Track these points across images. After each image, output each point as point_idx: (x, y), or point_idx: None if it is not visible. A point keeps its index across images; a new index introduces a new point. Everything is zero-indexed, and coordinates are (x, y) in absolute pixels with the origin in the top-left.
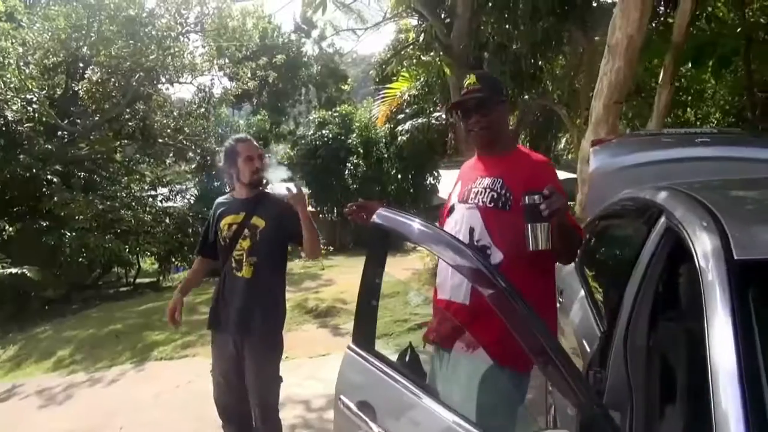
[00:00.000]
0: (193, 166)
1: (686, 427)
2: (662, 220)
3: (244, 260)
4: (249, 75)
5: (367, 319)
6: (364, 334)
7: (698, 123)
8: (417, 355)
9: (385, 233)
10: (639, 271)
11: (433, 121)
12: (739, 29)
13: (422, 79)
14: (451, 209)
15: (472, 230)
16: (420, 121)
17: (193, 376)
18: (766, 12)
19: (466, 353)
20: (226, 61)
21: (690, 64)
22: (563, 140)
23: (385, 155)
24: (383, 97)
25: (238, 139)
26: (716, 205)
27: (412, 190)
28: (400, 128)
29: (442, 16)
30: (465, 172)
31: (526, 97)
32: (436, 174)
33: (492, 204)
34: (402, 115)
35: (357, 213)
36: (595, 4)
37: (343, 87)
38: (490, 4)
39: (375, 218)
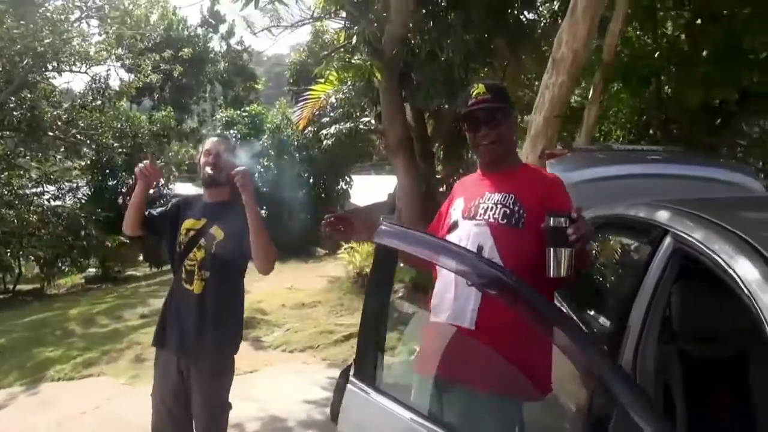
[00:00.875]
0: (86, 162)
1: None
2: (668, 240)
3: (196, 273)
4: (151, 68)
5: (372, 351)
6: (369, 367)
7: (601, 139)
8: None
9: (390, 252)
10: (645, 292)
11: (362, 126)
12: (657, 53)
13: (349, 82)
14: (454, 226)
15: (480, 248)
16: (348, 125)
17: (102, 399)
18: (677, 40)
19: (485, 391)
20: (125, 51)
21: (618, 83)
22: None
23: (298, 159)
24: (306, 100)
25: (212, 135)
26: (740, 227)
27: (323, 195)
28: (325, 132)
29: (372, 18)
30: (466, 187)
31: (446, 105)
32: (348, 179)
33: (504, 220)
34: (327, 119)
35: (334, 226)
36: (524, 20)
37: (254, 86)
38: (423, 11)
39: (378, 236)
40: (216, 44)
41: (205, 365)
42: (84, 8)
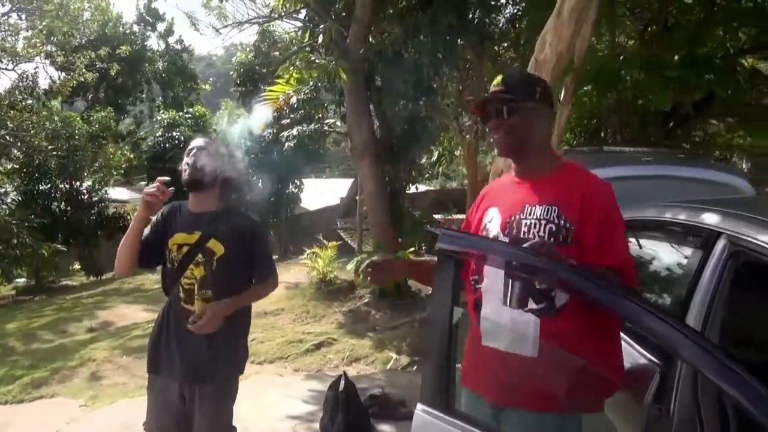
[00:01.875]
0: (14, 165)
1: None
2: (722, 243)
3: (196, 292)
4: (86, 66)
5: (443, 372)
6: (440, 391)
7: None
8: (353, 384)
9: (455, 260)
10: (700, 298)
11: (326, 128)
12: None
13: (311, 83)
14: None
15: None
16: (312, 126)
17: (61, 423)
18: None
19: (551, 412)
20: (56, 48)
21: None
22: (436, 153)
23: (247, 162)
24: (263, 101)
25: (195, 138)
26: None
27: (273, 199)
28: (287, 133)
29: (336, 17)
30: (499, 195)
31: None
32: (298, 183)
33: (551, 239)
34: (287, 120)
35: (375, 275)
36: (487, 23)
37: (195, 87)
38: (390, 11)
39: (441, 242)
40: (154, 43)
41: (211, 389)
42: (14, 0)
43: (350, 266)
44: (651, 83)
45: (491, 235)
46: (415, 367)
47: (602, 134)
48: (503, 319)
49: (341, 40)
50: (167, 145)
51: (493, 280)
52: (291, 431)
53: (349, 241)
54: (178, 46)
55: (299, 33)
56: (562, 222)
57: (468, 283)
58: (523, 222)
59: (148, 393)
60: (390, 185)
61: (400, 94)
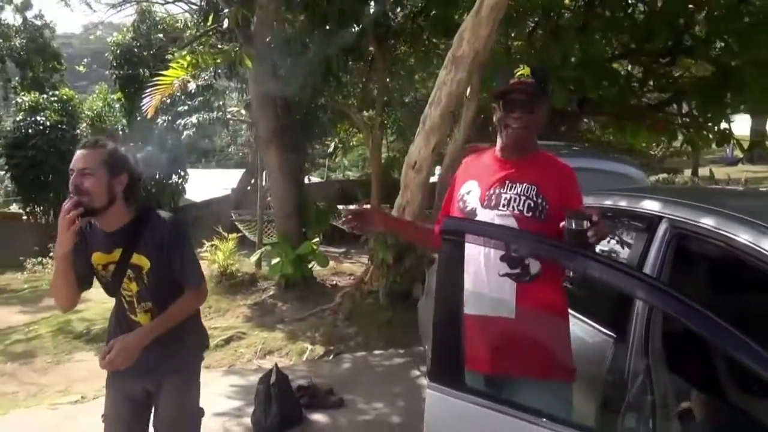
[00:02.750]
0: None
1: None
2: (664, 227)
3: (136, 305)
4: None
5: (451, 348)
6: (452, 368)
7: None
8: (285, 376)
9: (458, 244)
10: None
11: (229, 116)
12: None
13: (210, 69)
14: (471, 214)
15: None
16: (215, 115)
17: None
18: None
19: (540, 379)
20: None
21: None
22: (332, 144)
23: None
24: (154, 86)
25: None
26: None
27: (154, 191)
28: (184, 121)
29: (238, 2)
30: (477, 170)
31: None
32: (183, 173)
33: (530, 213)
34: (185, 107)
35: (353, 222)
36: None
37: (59, 67)
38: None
39: (446, 226)
40: (9, 17)
41: (176, 380)
42: None
43: (253, 258)
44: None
45: (469, 207)
46: (332, 356)
47: (489, 129)
48: (482, 286)
49: (246, 26)
50: (30, 131)
51: (469, 248)
52: (221, 429)
53: (246, 233)
54: (38, 22)
55: (195, 16)
56: (539, 200)
57: None
58: (503, 195)
59: (107, 387)
60: (295, 175)
61: (307, 84)
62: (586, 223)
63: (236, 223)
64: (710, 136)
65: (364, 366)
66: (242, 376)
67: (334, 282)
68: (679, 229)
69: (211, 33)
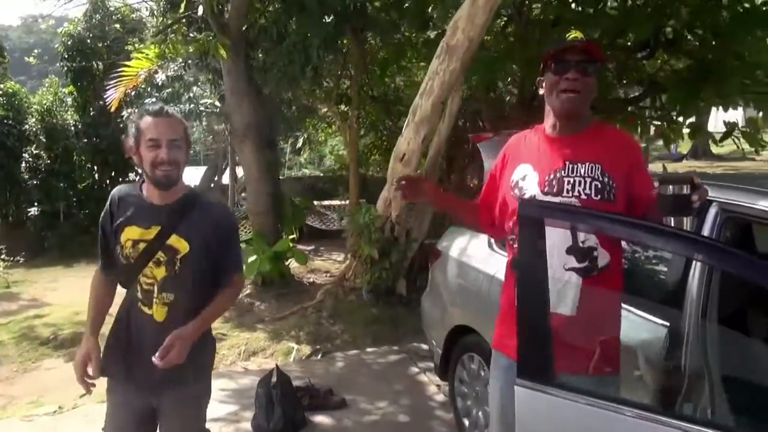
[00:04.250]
0: None
1: None
2: (714, 211)
3: (156, 295)
4: None
5: (539, 343)
6: (539, 362)
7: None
8: (288, 377)
9: (539, 225)
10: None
11: (202, 109)
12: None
13: (180, 60)
14: None
15: (575, 231)
16: (187, 107)
17: None
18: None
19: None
20: None
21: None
22: (300, 139)
23: (78, 146)
24: (119, 77)
25: (147, 111)
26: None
27: (110, 189)
28: None
29: None
30: (529, 152)
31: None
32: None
33: (598, 196)
34: (152, 99)
35: (405, 189)
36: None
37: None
38: None
39: (524, 211)
40: None
41: (185, 394)
42: None
43: None
44: (530, 74)
45: (527, 193)
46: (320, 356)
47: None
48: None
49: (220, 14)
50: None
51: None
52: None
53: None
54: None
55: (162, 4)
56: (606, 179)
57: (508, 243)
58: (566, 179)
59: (108, 396)
60: (270, 171)
61: (285, 75)
62: (686, 188)
63: None
64: (682, 129)
65: (359, 364)
66: (231, 379)
67: (311, 279)
68: (729, 213)
69: (183, 21)
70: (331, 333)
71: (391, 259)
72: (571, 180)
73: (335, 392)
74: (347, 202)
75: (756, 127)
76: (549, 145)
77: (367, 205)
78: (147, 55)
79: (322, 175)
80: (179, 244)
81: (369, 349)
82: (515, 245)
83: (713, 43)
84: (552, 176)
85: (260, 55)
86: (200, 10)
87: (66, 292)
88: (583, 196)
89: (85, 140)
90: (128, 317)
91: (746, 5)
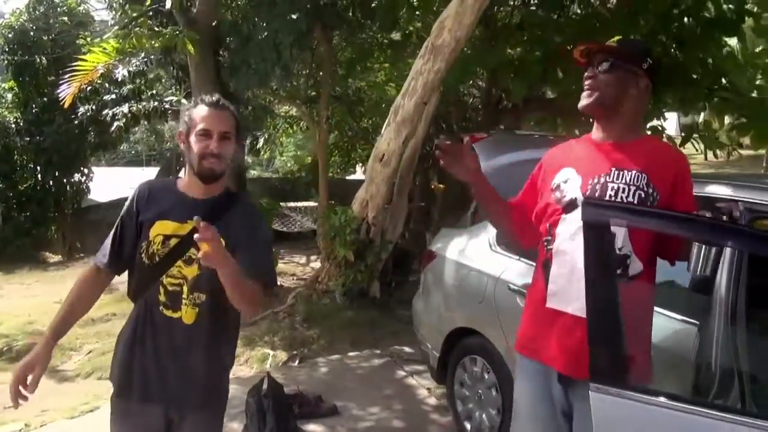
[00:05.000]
0: None
1: None
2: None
3: (185, 295)
4: None
5: (612, 346)
6: (613, 365)
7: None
8: (280, 385)
9: (604, 227)
10: (728, 260)
11: (167, 106)
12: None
13: (142, 54)
14: (571, 205)
15: (613, 235)
16: (150, 105)
17: None
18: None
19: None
20: None
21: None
22: (261, 139)
23: (18, 145)
24: (73, 72)
25: (202, 101)
26: None
27: (53, 190)
28: (114, 111)
29: None
30: (572, 155)
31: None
32: (87, 171)
33: (640, 206)
34: (112, 96)
35: (446, 156)
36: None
37: None
38: None
39: (588, 215)
40: None
41: (204, 412)
42: None
43: None
44: (505, 75)
45: (568, 196)
46: (297, 362)
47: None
48: (575, 281)
49: (188, 9)
50: None
51: (567, 241)
52: None
53: None
54: None
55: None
56: (650, 191)
57: (541, 244)
58: (610, 185)
59: (114, 421)
60: (239, 171)
61: (257, 74)
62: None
63: None
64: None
65: (344, 369)
66: None
67: (279, 283)
68: (754, 213)
69: (149, 14)
70: (306, 338)
71: (366, 260)
72: (615, 186)
73: (324, 399)
74: (311, 203)
75: (712, 130)
76: (596, 151)
77: (342, 207)
78: (105, 49)
79: (280, 176)
80: None
81: (351, 353)
82: (549, 246)
83: (674, 50)
84: (596, 181)
85: (228, 52)
86: (168, 3)
87: (12, 300)
88: (625, 203)
89: (27, 138)
90: (144, 329)
91: (709, 14)
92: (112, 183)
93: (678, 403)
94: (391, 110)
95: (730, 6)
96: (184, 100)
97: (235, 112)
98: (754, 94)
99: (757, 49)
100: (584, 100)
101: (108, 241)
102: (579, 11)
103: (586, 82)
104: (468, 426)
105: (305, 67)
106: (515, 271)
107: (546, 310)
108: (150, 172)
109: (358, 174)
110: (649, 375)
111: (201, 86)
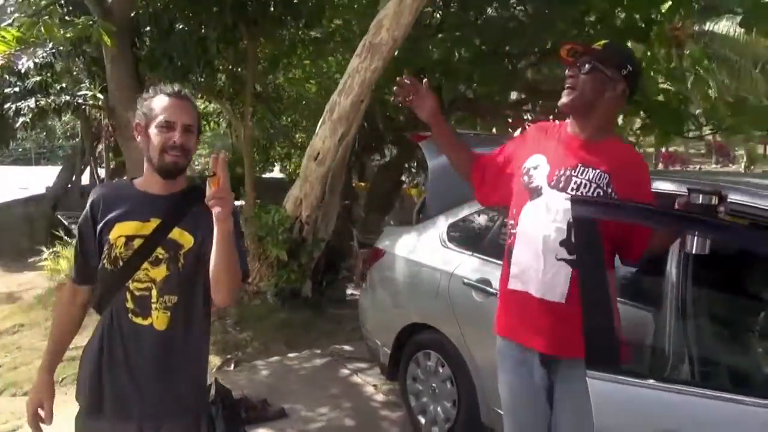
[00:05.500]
0: None
1: None
2: None
3: (154, 299)
4: None
5: (605, 334)
6: (607, 352)
7: (293, 127)
8: (228, 390)
9: (594, 227)
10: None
11: (81, 101)
12: None
13: (50, 45)
14: (537, 191)
15: (570, 225)
16: (64, 98)
17: None
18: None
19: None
20: None
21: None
22: None
23: None
24: None
25: (162, 91)
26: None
27: None
28: (19, 105)
29: None
30: (548, 143)
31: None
32: None
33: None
34: (14, 90)
35: (406, 92)
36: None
37: None
38: None
39: (577, 212)
40: None
41: (182, 421)
42: None
43: None
44: (448, 75)
45: (534, 183)
46: (233, 366)
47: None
48: (535, 264)
49: None
50: None
51: (528, 224)
52: None
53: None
54: None
55: None
56: (609, 191)
57: (508, 227)
58: (573, 179)
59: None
60: None
61: (180, 69)
62: (715, 199)
63: (72, 226)
64: None
65: (285, 371)
66: None
67: None
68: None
69: (59, 3)
70: (239, 341)
71: (299, 260)
72: (578, 181)
73: (270, 402)
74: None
75: (620, 128)
76: (568, 143)
77: (275, 206)
78: (4, 38)
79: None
80: (183, 238)
81: (290, 355)
82: (512, 230)
83: None
84: (562, 173)
85: (148, 44)
86: None
87: None
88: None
89: None
90: (113, 337)
91: (621, 22)
92: (9, 183)
93: (666, 384)
94: (326, 108)
95: (639, 15)
96: (99, 95)
97: (194, 104)
98: (660, 98)
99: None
100: (563, 98)
101: (75, 259)
102: (494, 14)
103: (568, 81)
104: (422, 420)
105: (228, 63)
106: (469, 266)
107: (511, 292)
108: (41, 172)
109: (276, 172)
110: (631, 356)
111: (118, 80)
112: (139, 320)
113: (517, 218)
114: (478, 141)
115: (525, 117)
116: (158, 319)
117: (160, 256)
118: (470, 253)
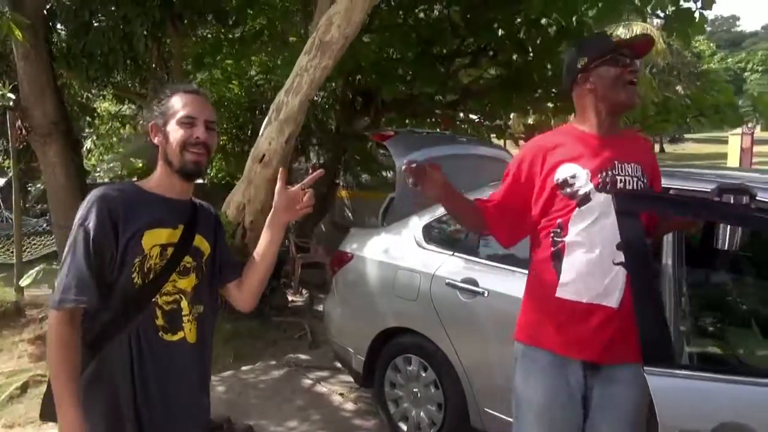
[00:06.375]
0: None
1: None
2: None
3: (186, 312)
4: None
5: (658, 329)
6: (662, 347)
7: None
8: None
9: (637, 221)
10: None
11: None
12: None
13: None
14: (585, 199)
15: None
16: None
17: None
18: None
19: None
20: None
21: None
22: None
23: None
24: None
25: (178, 89)
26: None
27: None
28: None
29: None
30: (572, 152)
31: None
32: None
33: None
34: None
35: (416, 176)
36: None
37: None
38: None
39: (621, 206)
40: None
41: None
42: None
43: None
44: (385, 75)
45: (581, 191)
46: None
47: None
48: (591, 270)
49: None
50: None
51: (582, 232)
52: None
53: None
54: None
55: None
56: (645, 180)
57: (546, 237)
58: (618, 178)
59: None
60: (80, 177)
61: (104, 66)
62: (746, 198)
63: None
64: (487, 132)
65: (243, 386)
66: None
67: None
68: None
69: None
70: None
71: None
72: (622, 178)
73: (234, 420)
74: None
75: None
76: (595, 144)
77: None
78: None
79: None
80: (203, 244)
81: (244, 368)
82: (558, 239)
83: (516, 57)
84: (605, 174)
85: (65, 39)
86: None
87: None
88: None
89: None
90: (145, 362)
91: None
92: None
93: (715, 374)
94: (272, 107)
95: (571, 19)
96: (10, 94)
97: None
98: None
99: None
100: (635, 97)
101: (81, 274)
102: (423, 16)
103: (633, 77)
104: (404, 427)
105: (153, 61)
106: (451, 266)
107: (556, 300)
108: None
109: None
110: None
111: (31, 78)
112: (169, 336)
113: (566, 226)
114: (444, 141)
115: (456, 117)
116: (190, 332)
117: (188, 265)
118: (451, 253)
